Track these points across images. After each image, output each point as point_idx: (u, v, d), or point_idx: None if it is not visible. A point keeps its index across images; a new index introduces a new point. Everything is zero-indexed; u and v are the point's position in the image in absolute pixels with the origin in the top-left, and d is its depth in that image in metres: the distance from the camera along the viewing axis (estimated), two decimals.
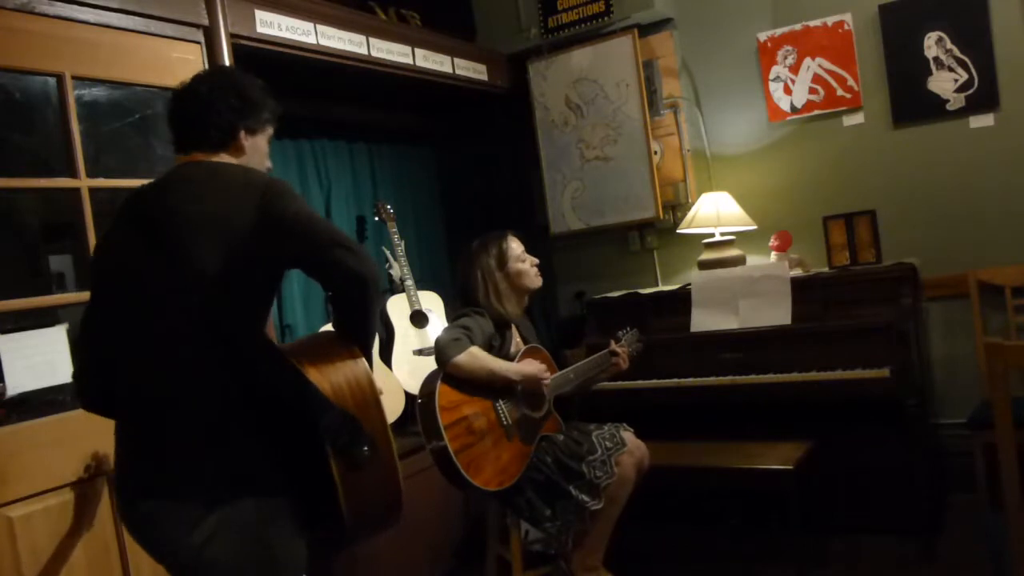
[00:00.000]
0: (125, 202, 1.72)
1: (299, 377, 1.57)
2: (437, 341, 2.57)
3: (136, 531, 1.64)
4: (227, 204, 1.60)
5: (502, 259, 2.75)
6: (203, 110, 1.73)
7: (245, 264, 1.58)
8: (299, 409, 1.56)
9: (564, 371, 2.82)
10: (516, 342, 2.80)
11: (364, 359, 1.67)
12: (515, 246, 2.79)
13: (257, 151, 1.81)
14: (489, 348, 2.66)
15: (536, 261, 2.83)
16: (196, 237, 1.57)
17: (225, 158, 1.74)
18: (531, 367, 2.65)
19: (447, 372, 2.51)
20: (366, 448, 1.56)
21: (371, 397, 1.64)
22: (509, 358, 2.71)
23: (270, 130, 1.84)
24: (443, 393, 2.48)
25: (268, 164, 1.85)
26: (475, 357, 2.52)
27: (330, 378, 1.60)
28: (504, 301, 2.73)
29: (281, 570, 1.60)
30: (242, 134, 1.76)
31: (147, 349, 1.58)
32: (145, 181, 1.77)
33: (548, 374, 2.69)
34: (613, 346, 2.97)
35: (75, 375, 1.70)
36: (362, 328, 1.68)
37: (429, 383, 2.53)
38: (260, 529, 1.56)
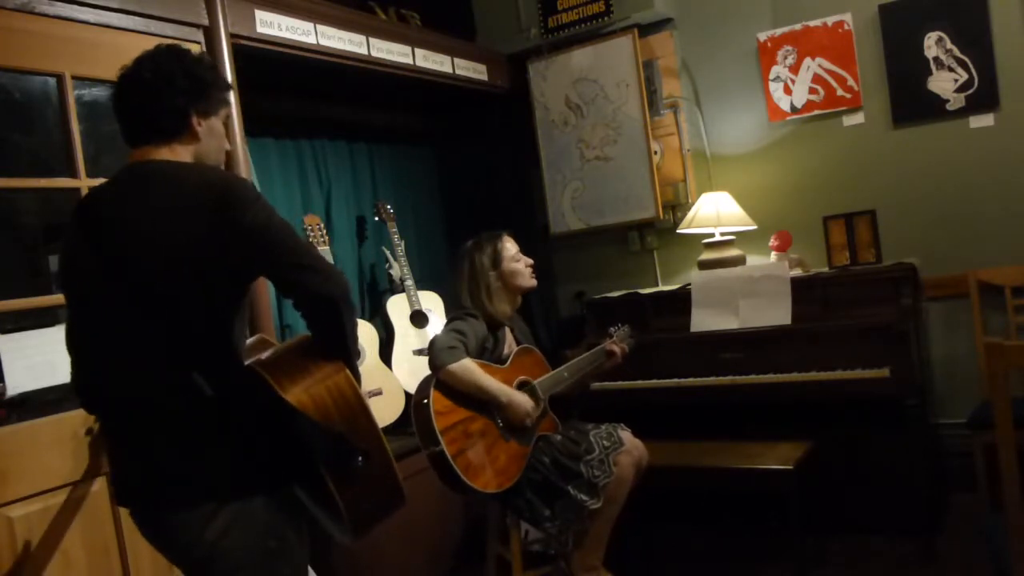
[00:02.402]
0: (77, 208, 1.62)
1: (277, 401, 1.49)
2: (432, 344, 2.56)
3: (150, 537, 1.63)
4: (178, 214, 1.51)
5: (496, 258, 2.74)
6: (150, 97, 1.59)
7: (199, 275, 1.51)
8: (278, 415, 1.52)
9: (558, 370, 2.81)
10: (509, 343, 2.80)
11: (345, 367, 1.58)
12: (510, 246, 2.80)
13: (213, 135, 1.68)
14: (483, 350, 2.66)
15: (530, 262, 2.82)
16: (146, 249, 1.51)
17: (178, 149, 1.63)
18: (522, 399, 2.59)
19: (439, 378, 2.51)
20: (360, 459, 1.52)
21: (357, 405, 1.55)
22: (502, 360, 2.71)
23: (224, 111, 1.71)
24: (437, 398, 2.47)
25: (226, 145, 1.74)
26: (468, 369, 2.52)
27: (311, 392, 1.51)
28: (496, 300, 2.73)
29: (293, 561, 1.61)
30: (195, 119, 1.63)
31: (115, 357, 1.56)
32: None
33: (535, 410, 2.61)
34: (609, 344, 2.96)
35: (71, 379, 1.69)
36: (339, 345, 1.57)
37: (423, 389, 2.53)
38: (272, 522, 1.57)
